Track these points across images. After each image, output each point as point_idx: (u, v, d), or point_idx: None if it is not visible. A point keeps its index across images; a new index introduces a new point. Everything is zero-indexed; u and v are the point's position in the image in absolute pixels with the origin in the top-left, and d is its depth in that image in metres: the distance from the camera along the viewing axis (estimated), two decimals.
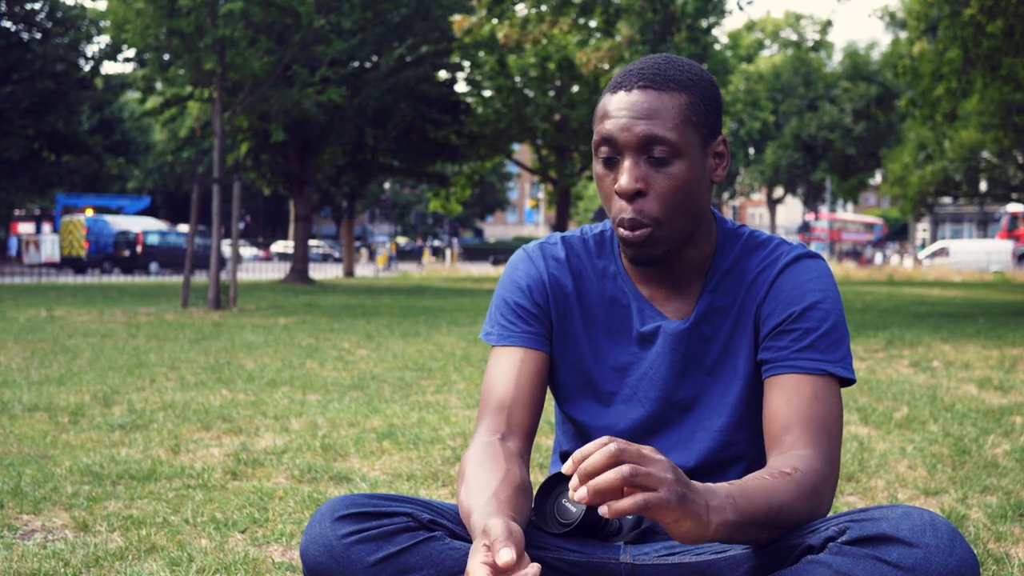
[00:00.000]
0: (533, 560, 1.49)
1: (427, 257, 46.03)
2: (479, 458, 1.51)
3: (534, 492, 1.55)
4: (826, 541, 1.32)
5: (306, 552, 1.42)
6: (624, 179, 1.48)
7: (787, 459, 1.43)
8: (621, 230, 1.52)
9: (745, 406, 1.60)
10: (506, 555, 1.24)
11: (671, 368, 1.61)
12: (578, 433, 1.69)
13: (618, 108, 1.50)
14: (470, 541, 1.45)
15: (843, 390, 1.75)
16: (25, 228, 38.68)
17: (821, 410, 1.48)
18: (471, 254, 54.99)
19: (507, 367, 1.61)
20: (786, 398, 1.49)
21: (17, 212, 41.43)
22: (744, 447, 1.62)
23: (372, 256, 47.14)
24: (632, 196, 1.49)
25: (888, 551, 1.26)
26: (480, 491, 1.44)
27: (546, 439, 4.18)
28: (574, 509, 1.49)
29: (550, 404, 5.08)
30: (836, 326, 1.54)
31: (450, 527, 1.47)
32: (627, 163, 1.49)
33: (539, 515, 1.51)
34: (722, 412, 1.60)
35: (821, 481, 1.42)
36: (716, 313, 1.61)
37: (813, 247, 48.59)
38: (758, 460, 1.62)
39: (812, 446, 1.46)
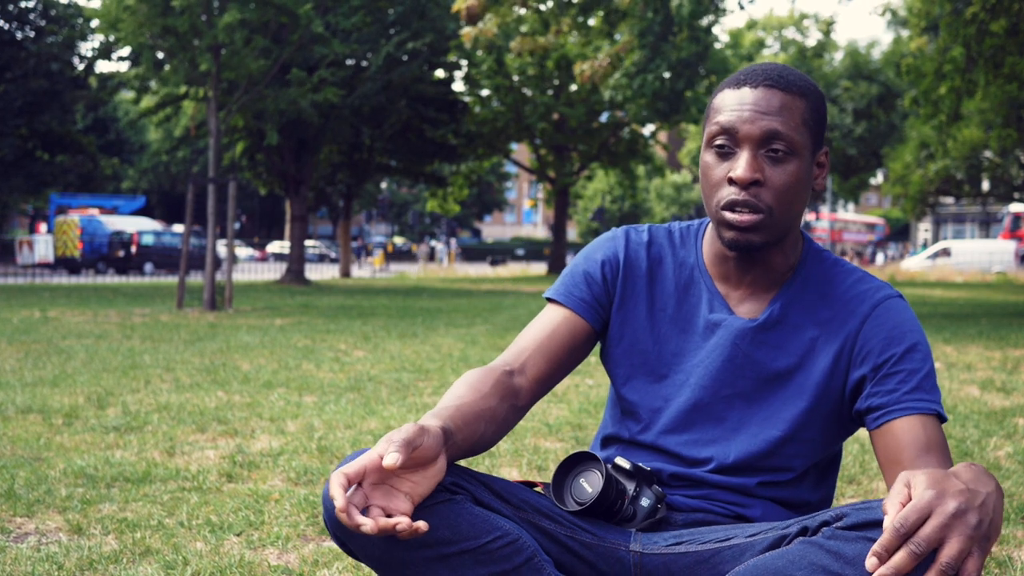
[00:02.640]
0: (547, 533, 1.51)
1: (423, 261, 45.61)
2: (471, 376, 1.58)
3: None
4: (821, 525, 1.34)
5: (327, 502, 1.41)
6: (743, 168, 1.53)
7: None
8: (727, 214, 1.56)
9: (802, 424, 1.63)
10: (390, 459, 1.29)
11: (728, 362, 1.64)
12: (624, 413, 1.71)
13: (741, 102, 1.56)
14: (491, 508, 1.47)
15: None
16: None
17: (943, 443, 1.55)
18: (468, 254, 54.97)
19: (547, 320, 1.69)
20: (910, 437, 1.53)
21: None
22: (790, 461, 1.64)
23: (368, 256, 46.94)
24: (748, 185, 1.54)
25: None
26: (447, 399, 1.52)
27: (544, 440, 4.15)
28: (590, 489, 1.52)
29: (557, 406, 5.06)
30: (933, 369, 1.61)
31: (471, 491, 1.47)
32: (745, 154, 1.54)
33: (556, 492, 1.54)
34: (776, 425, 1.63)
35: None
36: (790, 328, 1.64)
37: None
38: (807, 473, 1.66)
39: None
